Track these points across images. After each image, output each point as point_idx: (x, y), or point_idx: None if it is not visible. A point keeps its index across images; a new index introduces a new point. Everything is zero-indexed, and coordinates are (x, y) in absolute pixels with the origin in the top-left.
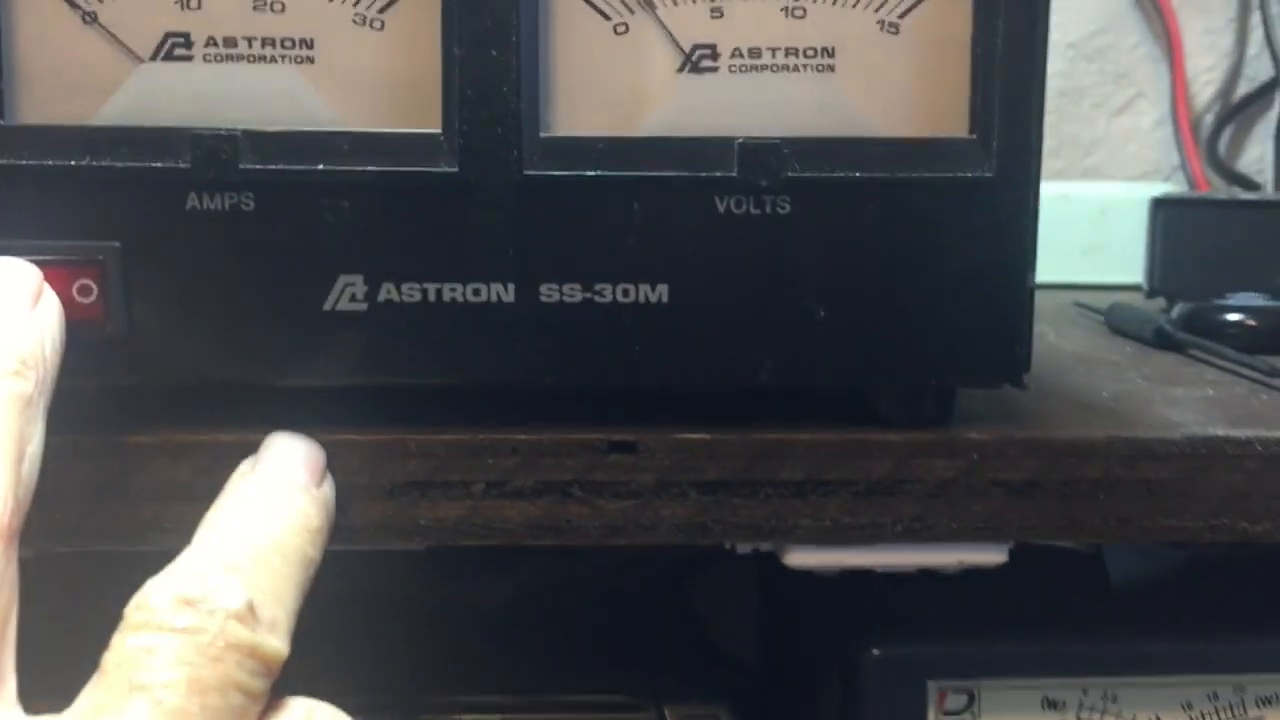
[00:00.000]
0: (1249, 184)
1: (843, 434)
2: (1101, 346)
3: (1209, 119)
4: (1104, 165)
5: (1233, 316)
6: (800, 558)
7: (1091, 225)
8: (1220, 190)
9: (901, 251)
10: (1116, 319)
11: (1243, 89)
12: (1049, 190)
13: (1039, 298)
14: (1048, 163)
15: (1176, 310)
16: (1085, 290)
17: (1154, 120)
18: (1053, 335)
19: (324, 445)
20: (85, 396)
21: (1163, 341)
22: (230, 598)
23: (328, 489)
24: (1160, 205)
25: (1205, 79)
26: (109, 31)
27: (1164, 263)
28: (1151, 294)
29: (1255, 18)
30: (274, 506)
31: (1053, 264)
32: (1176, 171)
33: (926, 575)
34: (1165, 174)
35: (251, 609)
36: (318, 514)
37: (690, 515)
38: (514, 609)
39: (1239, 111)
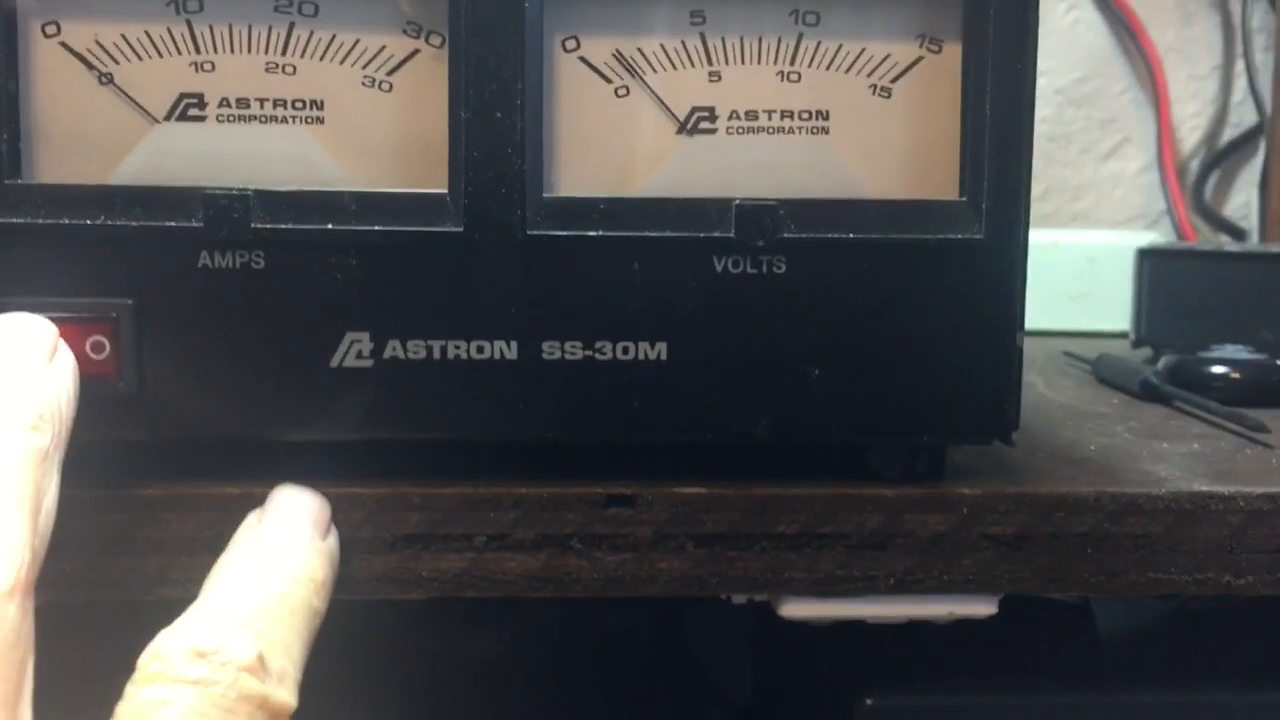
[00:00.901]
0: (1234, 230)
1: (837, 489)
2: (1089, 398)
3: (1194, 165)
4: (1092, 209)
5: (1218, 369)
6: (795, 609)
7: (1079, 273)
8: (1205, 241)
9: (894, 311)
10: (1104, 370)
11: (1228, 135)
12: (1038, 238)
13: (1028, 345)
14: (1036, 207)
15: (1163, 362)
16: (1073, 337)
17: (1140, 165)
18: (1042, 385)
19: (328, 498)
20: (94, 449)
21: (1149, 394)
22: (242, 650)
23: (332, 541)
24: (1146, 256)
25: (1191, 125)
26: (124, 92)
27: (1150, 312)
28: (1138, 343)
29: (1239, 65)
30: (281, 560)
31: (1042, 311)
32: (1163, 216)
33: (918, 626)
34: (1152, 218)
35: (262, 661)
36: (323, 567)
37: (687, 568)
38: (512, 655)
39: (1224, 158)
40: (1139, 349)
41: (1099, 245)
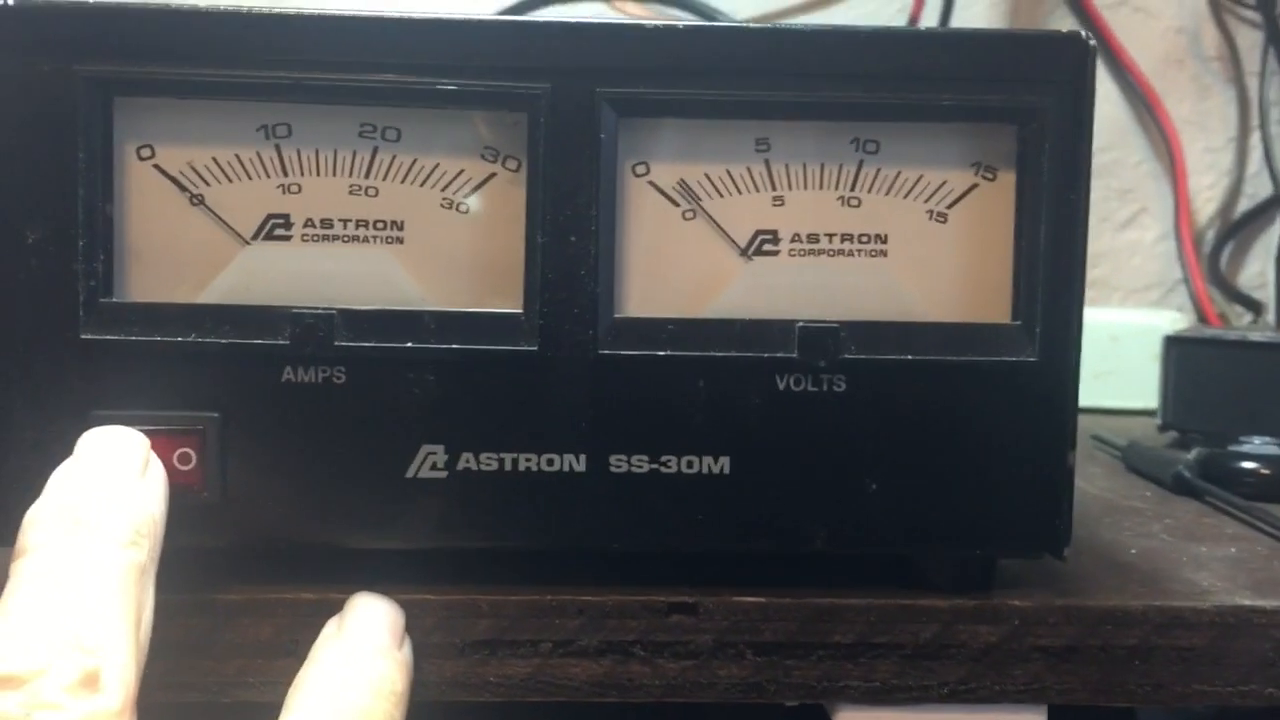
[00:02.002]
0: (1249, 302)
1: (892, 599)
2: (1122, 489)
3: (1210, 235)
4: (1110, 276)
5: (1247, 464)
6: (851, 716)
7: (1103, 351)
8: (1231, 329)
9: (949, 429)
10: (1134, 459)
11: (1243, 206)
12: None
13: None
14: None
15: (1193, 454)
16: (1099, 415)
17: (1157, 235)
18: None
19: (401, 604)
20: (177, 556)
21: (1181, 488)
22: None
23: (408, 651)
24: (1172, 343)
25: (1206, 196)
26: (215, 213)
27: (1177, 398)
28: (1165, 427)
29: (1255, 137)
30: (363, 673)
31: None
32: (1179, 285)
33: None
34: (1169, 286)
35: None
36: (401, 678)
37: (746, 675)
38: None
39: (1240, 228)
40: (1165, 432)
41: (1122, 323)
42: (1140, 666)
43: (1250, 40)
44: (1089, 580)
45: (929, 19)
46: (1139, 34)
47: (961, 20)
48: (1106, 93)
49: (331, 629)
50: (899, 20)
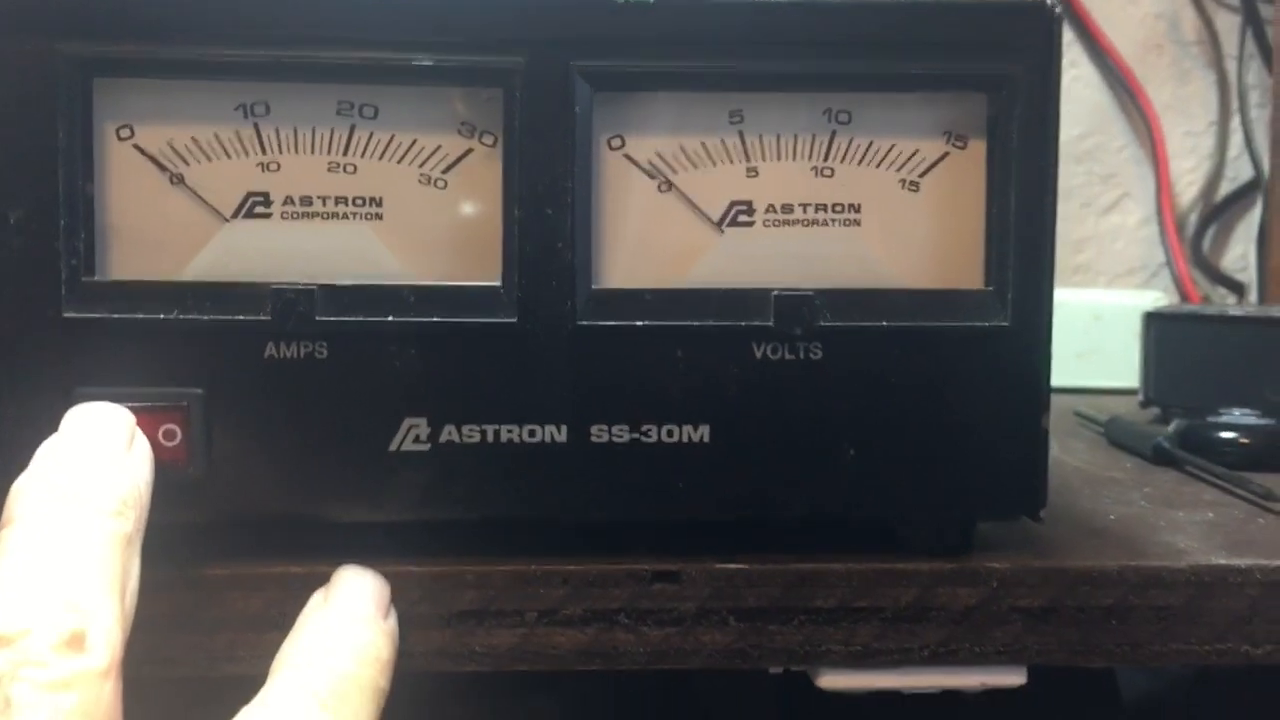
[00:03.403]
0: (1232, 283)
1: (872, 564)
2: (1103, 462)
3: (1193, 218)
4: (1094, 261)
5: (1226, 434)
6: (833, 680)
7: (1086, 330)
8: (1208, 303)
9: (925, 394)
10: (1116, 433)
11: (1224, 189)
12: None
13: None
14: None
15: (1173, 426)
16: (1082, 394)
17: (1140, 219)
18: (1056, 447)
19: (386, 576)
20: (163, 531)
21: (1161, 458)
22: None
23: (393, 621)
24: (1152, 319)
25: (1188, 179)
26: (195, 192)
27: (1158, 374)
28: (1146, 403)
29: (1235, 121)
30: (348, 641)
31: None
32: (1163, 268)
33: (950, 695)
34: (1152, 270)
35: None
36: (387, 646)
37: (730, 641)
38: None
39: (1221, 211)
40: (1147, 409)
41: (1104, 304)
42: (1118, 626)
43: (1229, 24)
44: (1067, 544)
45: None
46: (1119, 20)
47: None
48: (1088, 78)
49: (318, 599)
50: None
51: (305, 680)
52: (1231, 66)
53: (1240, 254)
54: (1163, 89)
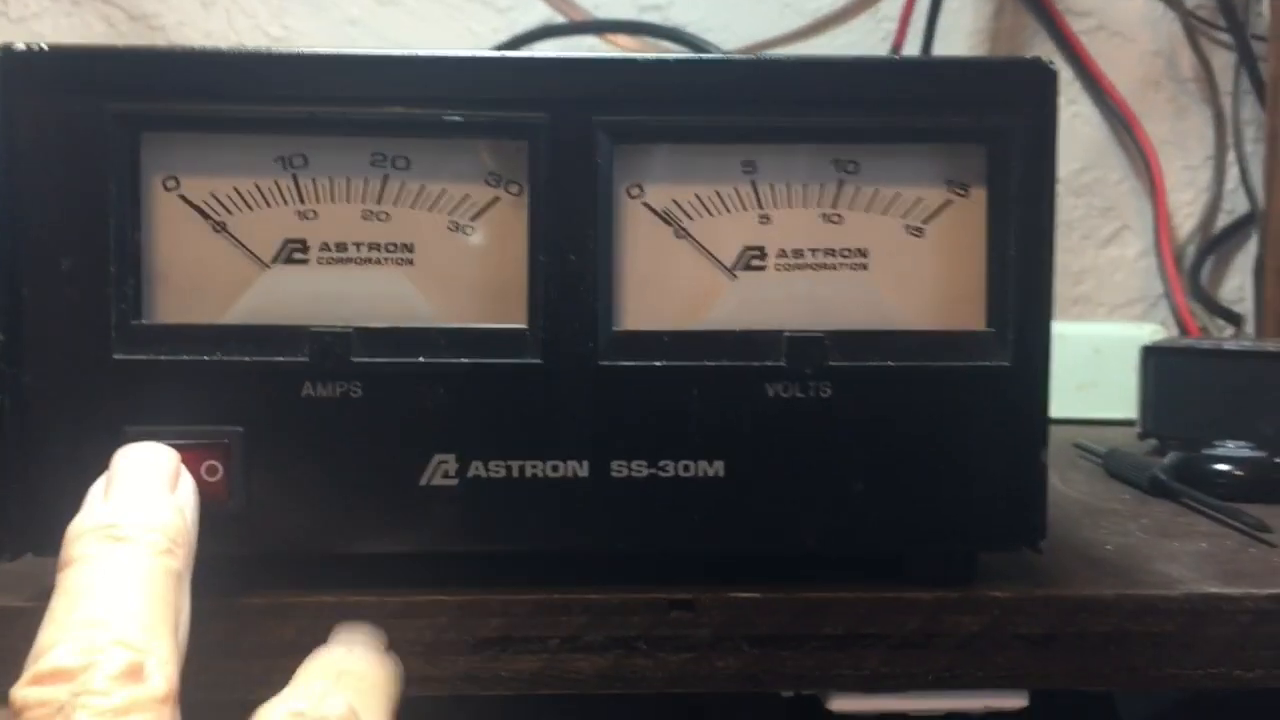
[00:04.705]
0: (1230, 315)
1: (879, 593)
2: (1101, 493)
3: (1190, 250)
4: (1093, 293)
5: (1221, 466)
6: (844, 704)
7: (1086, 363)
8: (1206, 337)
9: (929, 431)
10: (1114, 464)
11: (1221, 221)
12: None
13: None
14: None
15: (1169, 458)
16: (1081, 425)
17: (1139, 251)
18: (1057, 479)
19: (415, 605)
20: (205, 562)
21: (1158, 490)
22: (334, 705)
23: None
24: (1150, 353)
25: (1186, 212)
26: (236, 239)
27: (1156, 407)
28: (1145, 435)
29: (1231, 155)
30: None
31: (1050, 400)
32: (1161, 299)
33: (955, 717)
34: (1151, 301)
35: (354, 712)
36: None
37: (743, 666)
38: None
39: (1219, 243)
40: (1145, 440)
41: (1104, 336)
42: (1115, 652)
43: (1224, 61)
44: (1066, 573)
45: (911, 46)
46: (1117, 58)
47: (944, 47)
48: (1087, 115)
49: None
50: (883, 48)
51: (321, 670)
52: (1227, 102)
53: (1238, 285)
54: (1161, 124)
